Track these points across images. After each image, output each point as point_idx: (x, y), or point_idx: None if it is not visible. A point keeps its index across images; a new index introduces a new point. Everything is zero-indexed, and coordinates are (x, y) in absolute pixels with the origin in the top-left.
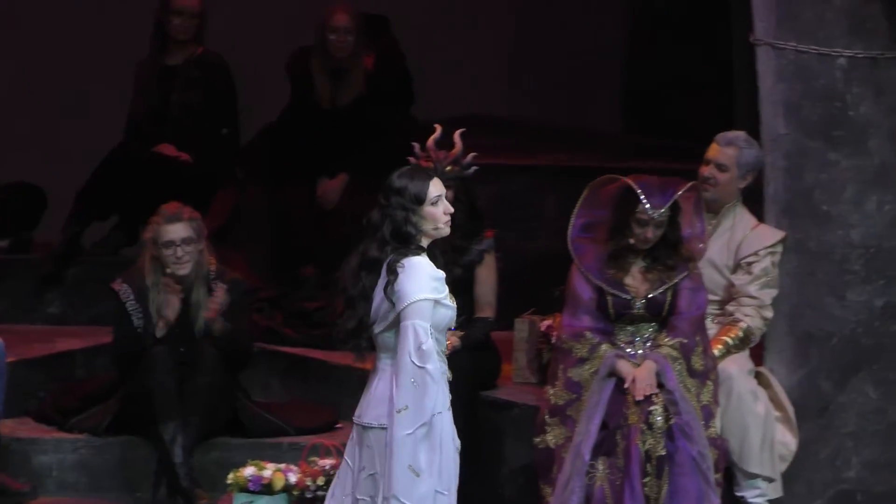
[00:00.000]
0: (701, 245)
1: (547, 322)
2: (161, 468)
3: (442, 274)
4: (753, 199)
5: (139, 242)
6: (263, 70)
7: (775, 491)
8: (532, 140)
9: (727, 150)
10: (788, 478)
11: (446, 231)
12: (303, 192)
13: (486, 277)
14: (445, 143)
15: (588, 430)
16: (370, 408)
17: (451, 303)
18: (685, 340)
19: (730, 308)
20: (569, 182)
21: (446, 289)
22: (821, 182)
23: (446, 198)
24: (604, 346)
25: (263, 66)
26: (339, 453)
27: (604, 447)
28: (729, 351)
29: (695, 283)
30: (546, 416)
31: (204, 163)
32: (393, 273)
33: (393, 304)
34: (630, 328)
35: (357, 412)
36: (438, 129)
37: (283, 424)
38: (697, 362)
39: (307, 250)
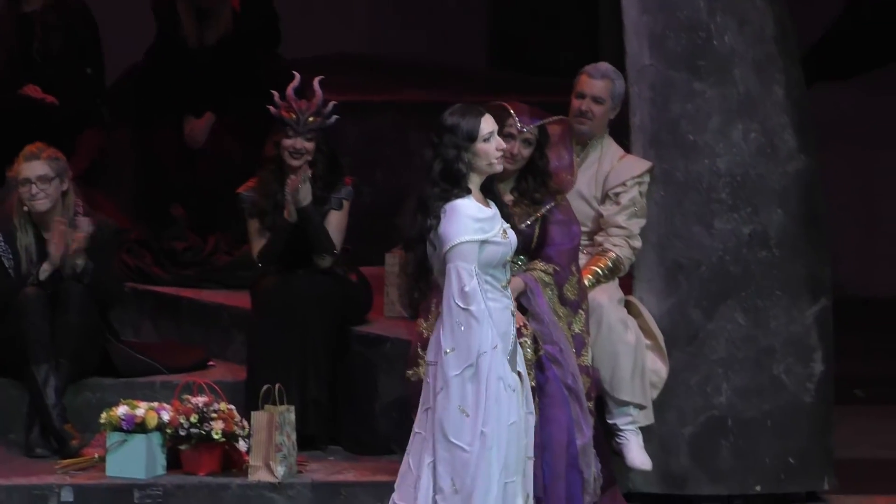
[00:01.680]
0: (569, 177)
1: None
2: (33, 410)
3: (489, 213)
4: (618, 131)
5: (6, 185)
6: (128, 8)
7: (647, 418)
8: (397, 77)
9: (601, 83)
10: (659, 405)
11: (500, 167)
12: (170, 133)
13: (337, 222)
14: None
15: None
16: (431, 346)
17: (503, 238)
18: (559, 269)
19: (599, 238)
20: (435, 117)
21: (496, 226)
22: (686, 112)
23: (307, 149)
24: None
25: (127, 4)
26: (212, 391)
27: None
28: (599, 281)
29: (565, 214)
30: (419, 349)
31: (69, 104)
32: (436, 218)
33: (435, 248)
34: None
35: None
36: (297, 77)
37: (155, 363)
38: (570, 291)
39: (175, 190)
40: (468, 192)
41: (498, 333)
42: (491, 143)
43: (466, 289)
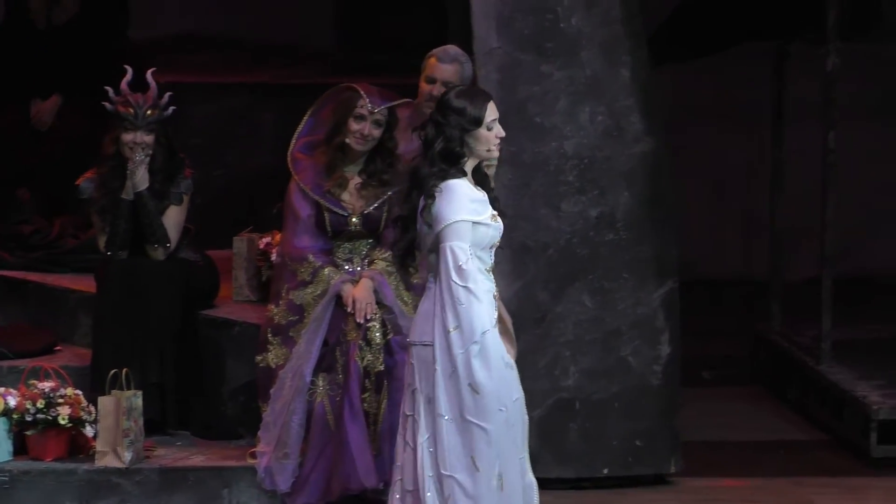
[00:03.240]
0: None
1: (265, 239)
2: None
3: (482, 195)
4: None
5: None
6: None
7: None
8: (248, 57)
9: (451, 67)
10: None
11: (496, 154)
12: (17, 113)
13: (175, 216)
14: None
15: (309, 351)
16: (415, 325)
17: (493, 222)
18: None
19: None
20: (285, 99)
21: (488, 209)
22: (534, 94)
23: (146, 143)
24: (327, 270)
25: None
26: (59, 376)
27: (324, 364)
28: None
29: None
30: (268, 335)
31: None
32: (431, 197)
33: (430, 227)
34: (348, 245)
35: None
36: (130, 70)
37: (1, 348)
38: (413, 275)
39: (22, 172)
40: (464, 173)
41: None
42: (493, 131)
43: (464, 266)
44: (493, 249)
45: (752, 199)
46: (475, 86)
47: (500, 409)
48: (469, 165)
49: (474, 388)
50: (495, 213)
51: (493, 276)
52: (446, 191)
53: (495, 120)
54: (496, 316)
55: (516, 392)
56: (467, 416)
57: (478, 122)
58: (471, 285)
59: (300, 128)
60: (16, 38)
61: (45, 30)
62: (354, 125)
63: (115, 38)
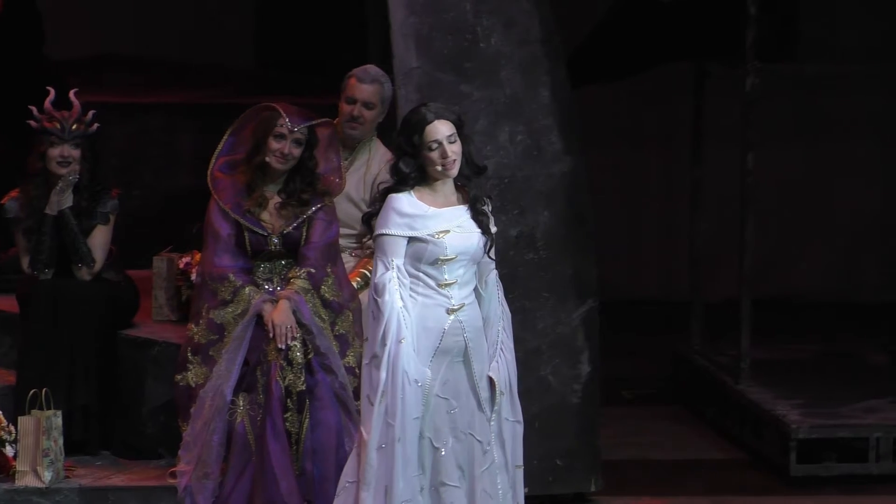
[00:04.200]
0: (338, 180)
1: (185, 259)
2: None
3: (425, 210)
4: (386, 132)
5: None
6: None
7: None
8: (165, 76)
9: (371, 87)
10: None
11: (451, 172)
12: None
13: (102, 236)
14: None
15: (230, 371)
16: None
17: (436, 238)
18: (313, 270)
19: (368, 241)
20: (203, 118)
21: (431, 225)
22: None
23: (73, 157)
24: (247, 290)
25: None
26: None
27: (244, 383)
28: (367, 282)
29: (328, 215)
30: (189, 354)
31: None
32: (378, 206)
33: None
34: (267, 265)
35: None
36: (52, 91)
37: None
38: (328, 292)
39: None
40: (411, 188)
41: (422, 327)
42: (434, 152)
43: (376, 280)
44: (450, 264)
45: (671, 219)
46: (421, 107)
47: (391, 424)
48: (424, 181)
49: (370, 400)
50: (455, 228)
51: (451, 291)
52: (385, 203)
53: (437, 141)
54: (447, 328)
55: (417, 411)
56: (362, 426)
57: (417, 146)
58: (379, 299)
59: (220, 147)
60: None
61: None
62: (275, 144)
63: (32, 58)
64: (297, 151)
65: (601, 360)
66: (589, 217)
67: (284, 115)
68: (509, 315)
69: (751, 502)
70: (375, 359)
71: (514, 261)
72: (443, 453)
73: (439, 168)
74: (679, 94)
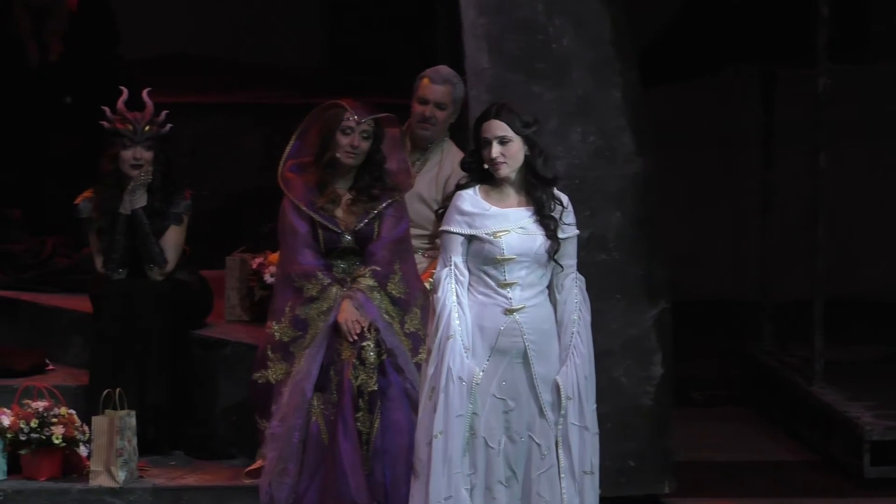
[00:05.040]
0: (408, 179)
1: (258, 259)
2: None
3: (487, 209)
4: (458, 133)
5: None
6: None
7: None
8: (232, 77)
9: (443, 88)
10: None
11: (502, 172)
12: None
13: (175, 237)
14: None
15: (310, 369)
16: None
17: (493, 238)
18: (378, 268)
19: (439, 242)
20: (270, 118)
21: (490, 224)
22: None
23: (146, 159)
24: (335, 289)
25: None
26: (52, 395)
27: (318, 383)
28: None
29: (398, 211)
30: (268, 352)
31: None
32: (446, 204)
33: None
34: (342, 264)
35: None
36: (125, 91)
37: None
38: (395, 289)
39: (7, 192)
40: (476, 185)
41: (478, 326)
42: (486, 150)
43: (434, 276)
44: (510, 265)
45: (742, 219)
46: (494, 104)
47: (435, 419)
48: (492, 179)
49: (428, 392)
50: (516, 230)
51: (516, 292)
52: (452, 200)
53: (487, 139)
54: (504, 328)
55: (462, 408)
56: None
57: (476, 141)
58: (434, 295)
59: (287, 150)
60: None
61: (38, 68)
62: (343, 139)
63: (105, 56)
64: (365, 145)
65: (673, 361)
66: (657, 218)
67: (350, 109)
68: (588, 320)
69: None
70: (429, 354)
71: (585, 262)
72: (495, 453)
73: (487, 166)
74: (744, 96)
